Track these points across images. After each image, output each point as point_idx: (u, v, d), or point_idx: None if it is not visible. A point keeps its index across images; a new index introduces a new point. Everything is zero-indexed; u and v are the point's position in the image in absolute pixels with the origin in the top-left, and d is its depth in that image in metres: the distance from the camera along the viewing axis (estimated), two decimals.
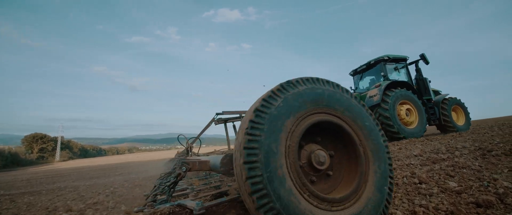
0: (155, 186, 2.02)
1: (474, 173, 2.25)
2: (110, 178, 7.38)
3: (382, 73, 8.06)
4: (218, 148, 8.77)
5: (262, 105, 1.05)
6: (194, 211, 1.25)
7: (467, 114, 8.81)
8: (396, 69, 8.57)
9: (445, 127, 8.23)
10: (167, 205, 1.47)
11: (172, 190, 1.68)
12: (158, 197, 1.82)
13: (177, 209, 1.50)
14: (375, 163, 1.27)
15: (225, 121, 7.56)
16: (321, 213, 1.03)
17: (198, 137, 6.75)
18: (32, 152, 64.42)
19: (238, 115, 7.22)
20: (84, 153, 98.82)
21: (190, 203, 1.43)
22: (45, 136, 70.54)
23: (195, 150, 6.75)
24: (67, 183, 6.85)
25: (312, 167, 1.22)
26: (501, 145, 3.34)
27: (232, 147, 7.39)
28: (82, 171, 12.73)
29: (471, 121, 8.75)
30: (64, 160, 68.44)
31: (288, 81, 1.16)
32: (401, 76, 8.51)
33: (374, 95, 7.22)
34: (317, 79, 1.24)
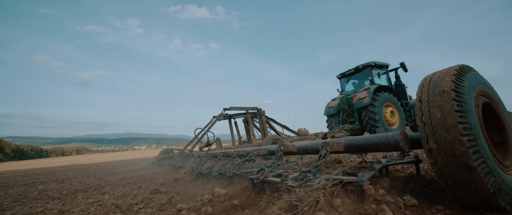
0: (262, 169, 2.06)
1: None
2: None
3: (369, 78, 8.64)
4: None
5: (457, 80, 1.28)
6: (361, 183, 1.42)
7: None
8: (378, 74, 9.14)
9: (417, 128, 9.08)
10: (323, 179, 1.52)
11: (316, 168, 1.78)
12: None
13: (334, 183, 1.52)
14: None
15: (230, 117, 7.12)
16: (502, 174, 1.23)
17: (206, 131, 6.25)
18: None
19: (244, 111, 6.87)
20: (20, 154, 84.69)
21: (346, 177, 1.55)
22: None
23: (199, 145, 6.22)
24: None
25: None
26: None
27: (236, 144, 7.01)
28: None
29: None
30: None
31: (466, 66, 1.43)
32: (382, 81, 9.11)
33: (364, 98, 7.61)
34: (473, 68, 1.51)
